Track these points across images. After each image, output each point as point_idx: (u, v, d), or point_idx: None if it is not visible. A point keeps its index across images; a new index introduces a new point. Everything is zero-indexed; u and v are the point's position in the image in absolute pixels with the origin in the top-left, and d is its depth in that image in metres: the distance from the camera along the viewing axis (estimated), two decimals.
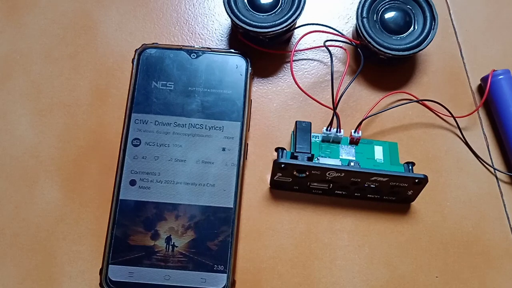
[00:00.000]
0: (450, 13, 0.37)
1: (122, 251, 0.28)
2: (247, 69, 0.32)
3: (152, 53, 0.32)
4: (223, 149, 0.30)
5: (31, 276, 0.29)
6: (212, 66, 0.32)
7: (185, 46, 0.32)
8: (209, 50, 0.32)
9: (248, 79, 0.32)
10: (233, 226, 0.29)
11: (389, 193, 0.30)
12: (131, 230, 0.28)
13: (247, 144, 0.31)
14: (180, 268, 0.28)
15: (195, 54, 0.32)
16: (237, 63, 0.32)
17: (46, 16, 0.36)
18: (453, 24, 0.36)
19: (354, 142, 0.31)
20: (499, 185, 0.32)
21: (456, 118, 0.33)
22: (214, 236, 0.28)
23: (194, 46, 0.33)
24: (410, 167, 0.30)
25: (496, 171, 0.33)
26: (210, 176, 0.30)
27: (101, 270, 0.28)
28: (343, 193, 0.31)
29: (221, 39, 0.35)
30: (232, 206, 0.29)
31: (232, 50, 0.32)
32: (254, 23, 0.31)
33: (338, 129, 0.31)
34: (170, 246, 0.28)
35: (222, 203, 0.29)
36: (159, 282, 0.27)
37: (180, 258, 0.28)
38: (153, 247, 0.28)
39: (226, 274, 0.28)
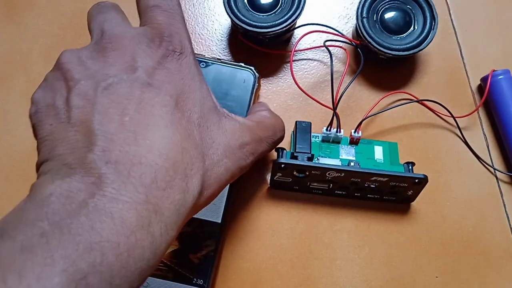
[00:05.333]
0: (450, 13, 0.37)
1: None
2: (254, 85, 0.31)
3: None
4: None
5: None
6: (220, 77, 0.31)
7: (196, 54, 0.32)
8: (219, 61, 0.31)
9: (254, 94, 0.31)
10: (218, 241, 0.28)
11: (389, 193, 0.30)
12: None
13: None
14: (159, 277, 0.28)
15: (204, 64, 0.31)
16: (245, 78, 0.31)
17: (46, 16, 0.36)
18: (453, 24, 0.36)
19: (354, 142, 0.31)
20: (499, 185, 0.32)
21: (456, 118, 0.33)
22: (197, 249, 0.28)
23: (204, 56, 0.32)
24: (410, 167, 0.30)
25: (496, 171, 0.33)
26: None
27: None
28: (343, 193, 0.31)
29: (221, 39, 0.35)
30: (219, 221, 0.29)
31: (242, 64, 0.31)
32: (254, 23, 0.31)
33: (338, 129, 0.31)
34: None
35: (210, 217, 0.29)
36: None
37: (160, 267, 0.28)
38: None
39: None
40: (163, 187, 0.18)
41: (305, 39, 0.35)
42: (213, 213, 0.29)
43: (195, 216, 0.28)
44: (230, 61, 0.33)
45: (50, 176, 0.17)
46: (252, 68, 0.31)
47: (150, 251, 0.17)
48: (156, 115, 0.19)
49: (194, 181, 0.19)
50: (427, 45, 0.32)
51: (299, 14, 0.31)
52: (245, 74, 0.31)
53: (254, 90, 0.31)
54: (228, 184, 0.29)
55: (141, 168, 0.17)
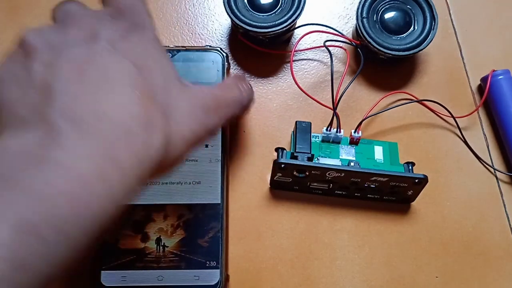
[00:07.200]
0: (450, 13, 0.37)
1: (113, 256, 0.28)
2: (223, 64, 0.32)
3: None
4: (206, 146, 0.30)
5: None
6: (188, 63, 0.31)
7: None
8: (184, 48, 0.32)
9: (225, 73, 0.32)
10: (222, 221, 0.29)
11: (389, 193, 0.30)
12: (120, 234, 0.28)
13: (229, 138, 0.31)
14: (172, 268, 0.28)
15: (170, 54, 0.31)
16: (213, 59, 0.32)
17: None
18: (453, 24, 0.36)
19: (354, 142, 0.31)
20: (499, 185, 0.32)
21: (456, 118, 0.33)
22: (204, 233, 0.28)
23: (168, 46, 0.32)
24: (410, 167, 0.30)
25: (496, 171, 0.33)
26: (195, 173, 0.30)
27: (93, 276, 0.27)
28: (343, 193, 0.31)
29: (221, 39, 0.35)
30: (219, 202, 0.29)
31: (208, 46, 0.32)
32: (254, 23, 0.31)
33: (338, 129, 0.31)
34: (161, 247, 0.28)
35: (209, 200, 0.29)
36: (153, 284, 0.27)
37: (171, 258, 0.28)
38: (144, 249, 0.28)
39: (219, 270, 0.28)
40: (123, 140, 0.18)
41: (305, 39, 0.35)
42: (211, 195, 0.29)
43: (194, 201, 0.29)
44: (195, 45, 0.33)
45: (5, 132, 0.17)
46: (219, 48, 0.32)
47: (108, 201, 0.17)
48: (117, 79, 0.19)
49: (158, 136, 0.19)
50: (427, 45, 0.32)
51: (299, 14, 0.31)
52: (213, 56, 0.32)
53: (225, 69, 0.32)
54: (219, 165, 0.30)
55: (99, 123, 0.17)
